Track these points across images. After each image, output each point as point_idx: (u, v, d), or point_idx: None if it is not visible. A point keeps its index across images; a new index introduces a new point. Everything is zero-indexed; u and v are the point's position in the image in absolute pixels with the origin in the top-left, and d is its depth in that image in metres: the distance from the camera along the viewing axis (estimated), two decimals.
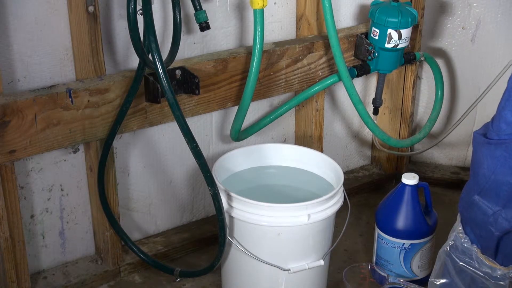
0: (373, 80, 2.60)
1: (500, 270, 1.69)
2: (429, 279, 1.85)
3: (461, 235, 1.74)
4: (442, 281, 1.80)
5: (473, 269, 1.72)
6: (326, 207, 1.90)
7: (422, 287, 1.99)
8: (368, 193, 2.65)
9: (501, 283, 1.70)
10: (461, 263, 1.74)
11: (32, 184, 1.98)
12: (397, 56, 2.32)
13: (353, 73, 2.29)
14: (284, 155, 2.18)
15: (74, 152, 2.03)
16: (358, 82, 2.54)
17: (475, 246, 1.71)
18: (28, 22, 1.80)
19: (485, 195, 1.63)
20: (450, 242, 1.77)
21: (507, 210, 1.61)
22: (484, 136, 1.63)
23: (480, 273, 1.71)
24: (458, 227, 1.76)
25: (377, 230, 2.14)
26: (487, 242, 1.68)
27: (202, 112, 2.13)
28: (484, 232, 1.67)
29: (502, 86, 1.72)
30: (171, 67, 1.96)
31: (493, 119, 1.63)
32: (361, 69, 2.33)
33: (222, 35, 2.16)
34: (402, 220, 2.07)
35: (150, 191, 2.23)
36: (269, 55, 2.17)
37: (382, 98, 2.43)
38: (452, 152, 2.80)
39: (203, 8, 1.91)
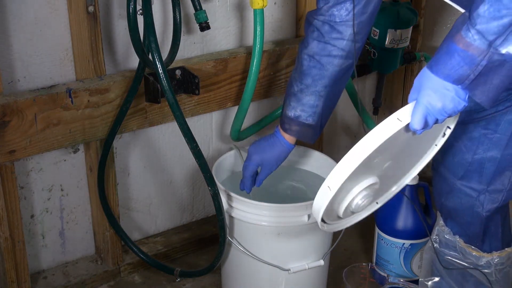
0: (373, 80, 2.60)
1: (484, 258, 1.70)
2: (419, 280, 1.84)
3: (443, 228, 1.74)
4: (432, 280, 1.80)
5: (459, 262, 1.73)
6: None
7: None
8: None
9: (487, 270, 1.70)
10: (446, 257, 1.74)
11: (32, 184, 1.98)
12: (397, 56, 2.32)
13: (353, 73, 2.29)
14: None
15: (74, 152, 2.03)
16: (358, 82, 2.54)
17: (458, 237, 1.71)
18: (28, 22, 1.80)
19: (467, 178, 1.64)
20: (433, 237, 1.77)
21: (493, 186, 1.63)
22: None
23: (466, 264, 1.72)
24: (439, 221, 1.76)
25: (377, 230, 2.14)
26: (474, 227, 1.68)
27: (202, 112, 2.13)
28: (470, 217, 1.67)
29: None
30: (171, 67, 1.96)
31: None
32: (361, 69, 2.33)
33: (222, 35, 2.16)
34: (402, 220, 2.07)
35: (150, 191, 2.23)
36: (269, 55, 2.17)
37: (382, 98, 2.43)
38: None
39: (203, 8, 1.91)
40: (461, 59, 1.30)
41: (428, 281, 1.82)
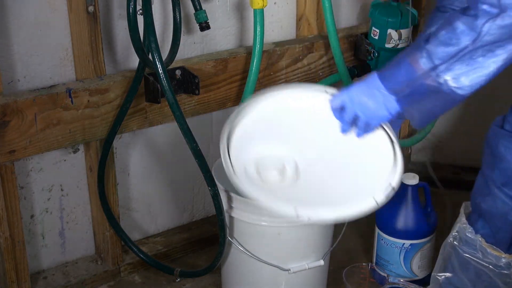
0: None
1: (504, 258, 1.70)
2: (432, 274, 1.84)
3: (464, 225, 1.75)
4: (445, 275, 1.80)
5: (477, 260, 1.73)
6: None
7: (422, 287, 1.99)
8: None
9: (505, 272, 1.71)
10: (465, 254, 1.74)
11: (32, 184, 1.98)
12: None
13: (353, 73, 2.29)
14: None
15: (74, 152, 2.03)
16: None
17: (479, 236, 1.72)
18: (28, 22, 1.80)
19: (508, 186, 1.66)
20: (454, 233, 1.77)
21: None
22: (502, 128, 1.65)
23: (484, 263, 1.72)
24: (462, 218, 1.77)
25: (377, 230, 2.14)
26: (503, 233, 1.70)
27: (202, 112, 2.13)
28: (501, 223, 1.69)
29: None
30: (171, 67, 1.96)
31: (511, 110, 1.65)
32: (361, 69, 2.32)
33: (222, 35, 2.16)
34: (402, 220, 2.07)
35: (150, 191, 2.23)
36: (269, 55, 2.17)
37: None
38: (452, 152, 2.80)
39: (203, 8, 1.91)
40: (404, 71, 1.40)
41: (440, 276, 1.81)
